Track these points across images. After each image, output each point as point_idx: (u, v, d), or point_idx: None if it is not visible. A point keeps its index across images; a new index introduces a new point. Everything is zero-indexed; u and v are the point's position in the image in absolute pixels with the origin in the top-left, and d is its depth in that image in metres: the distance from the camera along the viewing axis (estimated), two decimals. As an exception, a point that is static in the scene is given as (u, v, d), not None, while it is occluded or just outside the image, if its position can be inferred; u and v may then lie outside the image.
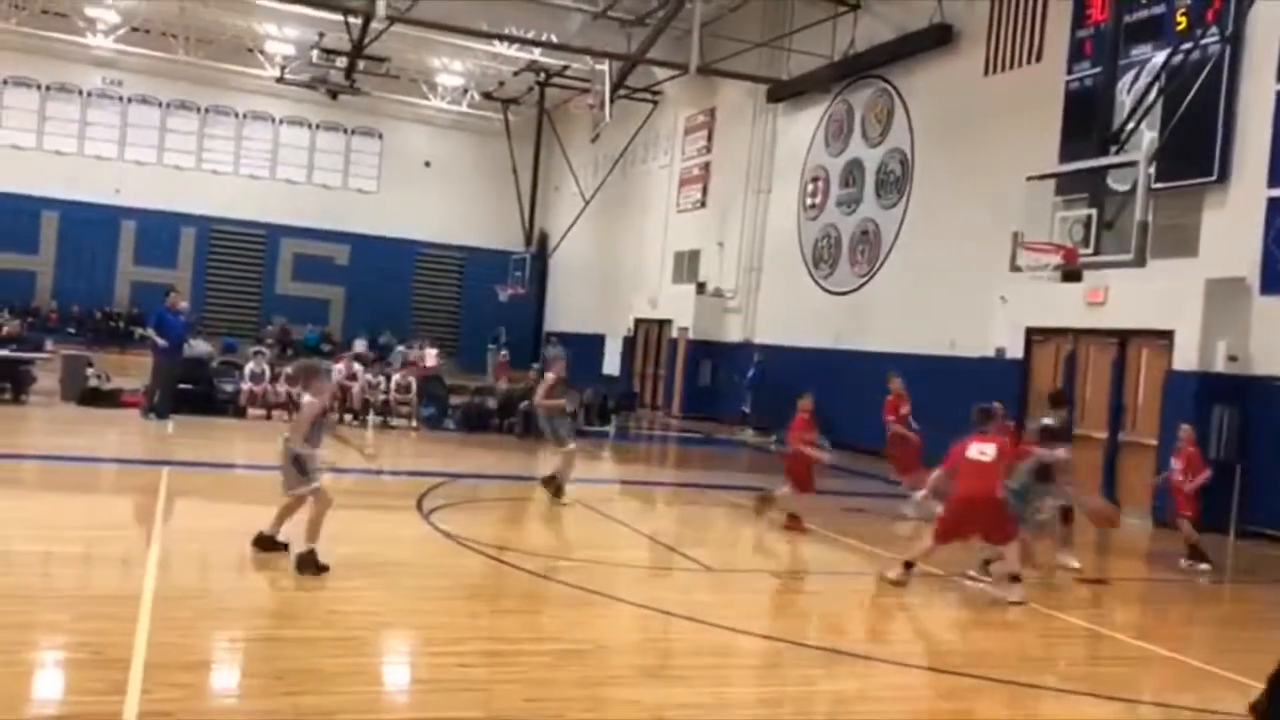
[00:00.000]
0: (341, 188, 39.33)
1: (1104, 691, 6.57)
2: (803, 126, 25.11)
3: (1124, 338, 15.54)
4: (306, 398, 8.14)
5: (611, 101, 27.45)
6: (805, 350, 23.15)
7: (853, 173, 23.17)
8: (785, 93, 25.26)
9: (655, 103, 31.52)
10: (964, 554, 10.68)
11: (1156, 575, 11.37)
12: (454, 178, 39.62)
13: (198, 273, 37.04)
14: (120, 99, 36.80)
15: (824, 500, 12.80)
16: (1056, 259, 14.21)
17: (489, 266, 36.96)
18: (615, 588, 8.15)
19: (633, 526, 11.76)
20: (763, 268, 26.15)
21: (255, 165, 38.39)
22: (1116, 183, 13.96)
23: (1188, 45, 14.46)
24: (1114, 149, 14.18)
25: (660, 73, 28.36)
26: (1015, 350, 17.24)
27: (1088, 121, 15.48)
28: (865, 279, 22.35)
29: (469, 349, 36.90)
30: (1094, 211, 13.65)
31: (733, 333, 26.68)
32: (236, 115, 38.08)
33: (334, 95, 32.98)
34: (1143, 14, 15.99)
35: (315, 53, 31.04)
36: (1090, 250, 13.77)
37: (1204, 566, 10.85)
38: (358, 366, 19.93)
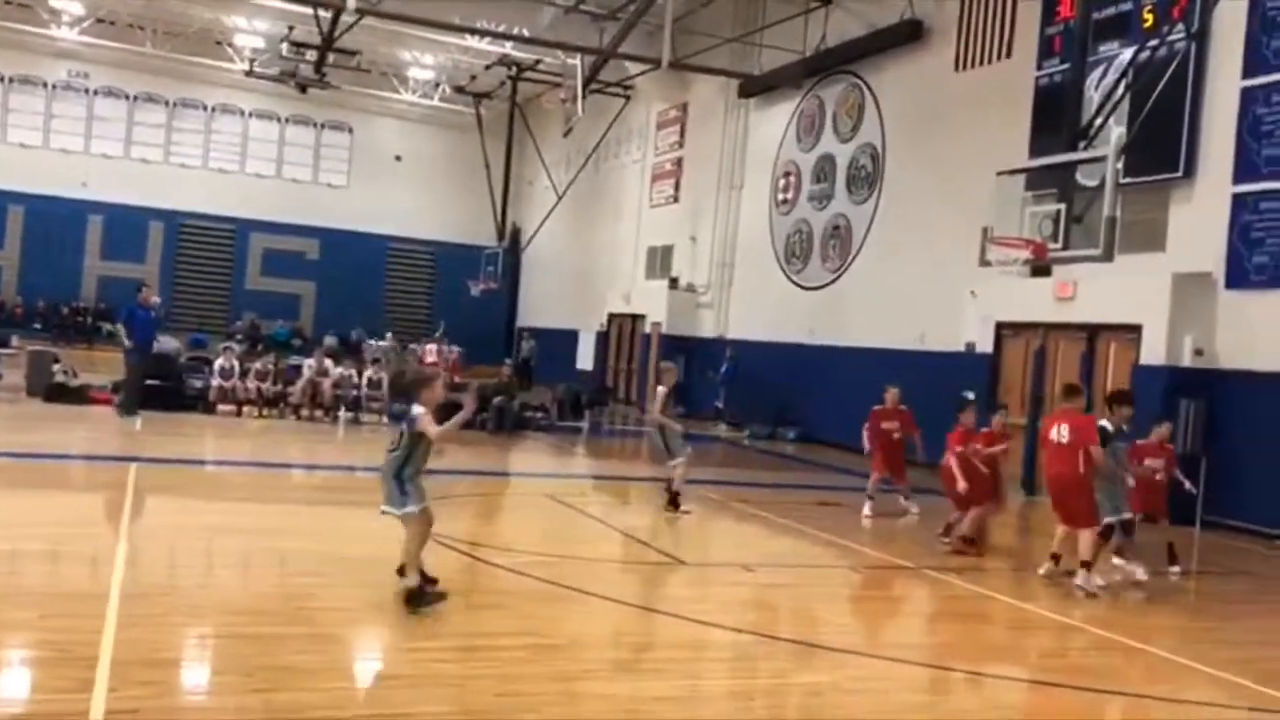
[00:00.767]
0: (311, 182, 39.08)
1: (1073, 682, 6.63)
2: (775, 122, 25.16)
3: (1093, 332, 15.67)
4: (418, 409, 7.07)
5: (584, 96, 27.45)
6: (778, 345, 23.22)
7: (824, 168, 23.24)
8: (757, 88, 25.30)
9: (628, 97, 31.50)
10: (937, 545, 10.79)
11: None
12: (425, 172, 39.45)
13: (166, 267, 36.72)
14: (86, 91, 36.40)
15: (796, 493, 12.85)
16: (1026, 254, 14.29)
17: (461, 261, 36.82)
18: (589, 583, 8.15)
19: (606, 522, 11.75)
20: (735, 263, 26.20)
21: (224, 159, 38.09)
22: (1085, 178, 14.05)
23: (1154, 42, 14.60)
24: (1083, 144, 14.28)
25: (632, 67, 28.34)
26: (985, 344, 17.36)
27: (1057, 117, 15.60)
28: (837, 274, 22.43)
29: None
30: (1063, 207, 13.72)
31: (706, 328, 26.72)
32: (205, 108, 37.76)
33: (303, 89, 32.74)
34: (1111, 11, 16.13)
35: (285, 46, 30.76)
36: (1059, 245, 13.85)
37: (1176, 569, 10.51)
38: (328, 362, 19.83)
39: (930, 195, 19.53)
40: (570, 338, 33.38)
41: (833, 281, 22.53)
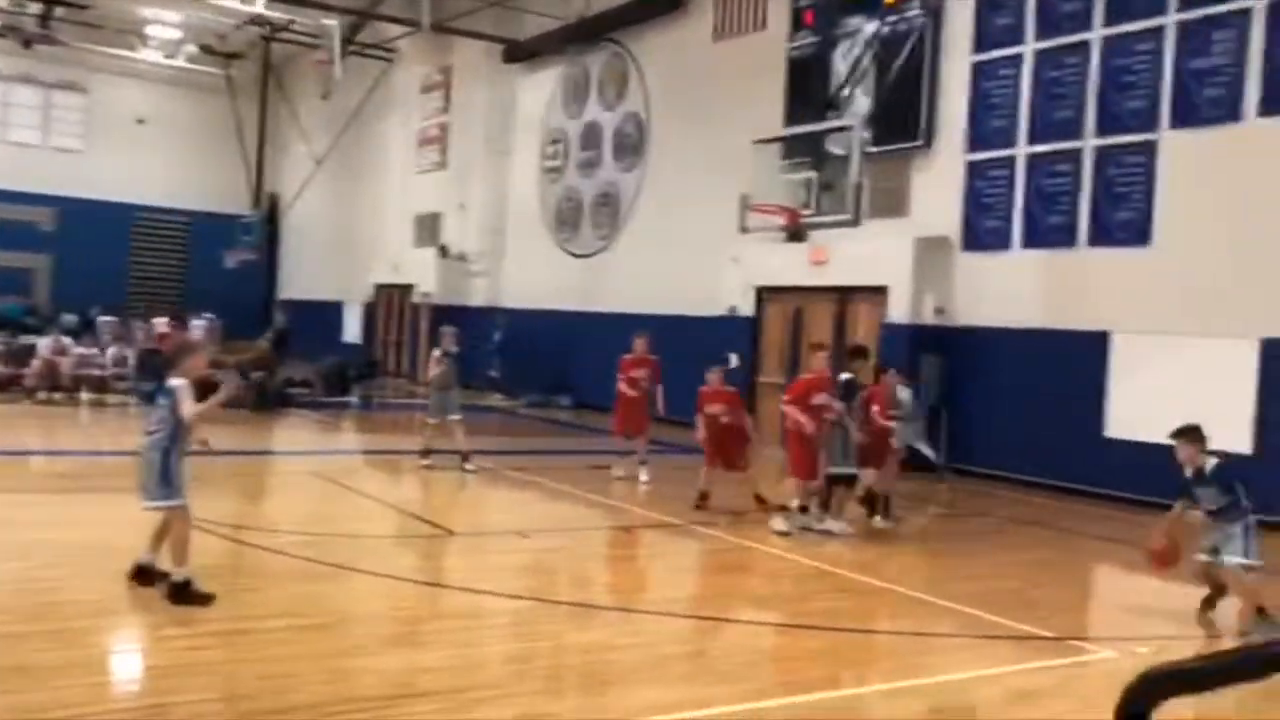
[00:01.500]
0: (41, 145, 35.99)
1: (825, 624, 7.05)
2: (541, 88, 25.09)
3: (844, 294, 16.54)
4: (177, 380, 6.58)
5: (342, 58, 26.49)
6: (551, 313, 23.30)
7: (591, 136, 23.39)
8: (521, 54, 25.13)
9: (390, 60, 30.62)
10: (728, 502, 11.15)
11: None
12: (173, 137, 37.00)
13: None
14: None
15: (569, 459, 12.97)
16: (782, 220, 14.92)
17: (217, 231, 34.84)
18: (359, 559, 7.99)
19: (377, 497, 11.53)
20: (506, 231, 26.04)
21: (-64, 120, 34.54)
22: (835, 147, 14.77)
23: (894, 18, 15.46)
24: (831, 114, 15.01)
25: (393, 29, 27.56)
26: (747, 308, 18.03)
27: (808, 88, 16.31)
28: (606, 242, 22.69)
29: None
30: (815, 174, 14.41)
31: (477, 297, 26.46)
32: (-90, 63, 34.07)
33: (28, 44, 30.03)
34: (856, -14, 16.94)
35: (4, -4, 28.16)
36: (812, 211, 14.56)
37: (879, 520, 10.77)
38: (67, 340, 18.50)
39: (694, 164, 20.01)
40: (335, 309, 32.34)
41: (603, 249, 22.78)
